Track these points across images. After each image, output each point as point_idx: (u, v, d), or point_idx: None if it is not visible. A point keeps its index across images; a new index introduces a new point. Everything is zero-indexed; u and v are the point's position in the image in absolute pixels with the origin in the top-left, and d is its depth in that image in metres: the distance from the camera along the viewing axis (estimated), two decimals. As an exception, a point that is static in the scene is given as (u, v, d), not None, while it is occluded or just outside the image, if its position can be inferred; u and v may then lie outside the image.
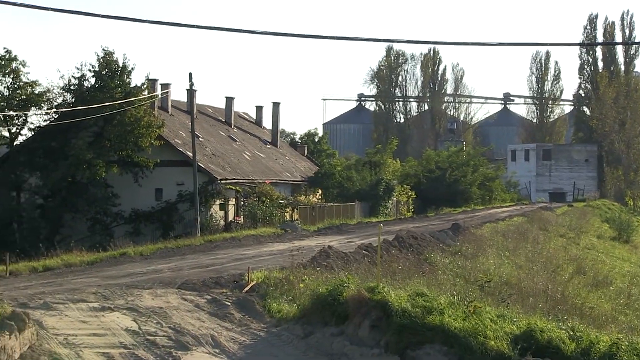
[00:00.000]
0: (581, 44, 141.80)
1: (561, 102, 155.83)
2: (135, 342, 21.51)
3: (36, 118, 63.04)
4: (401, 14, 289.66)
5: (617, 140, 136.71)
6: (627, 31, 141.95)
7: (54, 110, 60.94)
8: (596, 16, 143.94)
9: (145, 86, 64.52)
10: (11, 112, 60.46)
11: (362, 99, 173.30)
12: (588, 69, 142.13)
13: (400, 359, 20.52)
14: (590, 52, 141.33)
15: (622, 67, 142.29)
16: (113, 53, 61.39)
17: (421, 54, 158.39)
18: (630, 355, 19.95)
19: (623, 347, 20.25)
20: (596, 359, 20.13)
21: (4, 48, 62.43)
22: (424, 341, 20.68)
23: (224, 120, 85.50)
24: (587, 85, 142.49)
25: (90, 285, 28.83)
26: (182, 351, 21.21)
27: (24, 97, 60.93)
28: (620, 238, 79.84)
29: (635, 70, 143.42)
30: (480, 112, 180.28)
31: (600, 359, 20.06)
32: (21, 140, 62.31)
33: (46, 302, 24.63)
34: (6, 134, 61.87)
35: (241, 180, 68.84)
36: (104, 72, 60.61)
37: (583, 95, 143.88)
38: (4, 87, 61.14)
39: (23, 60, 61.72)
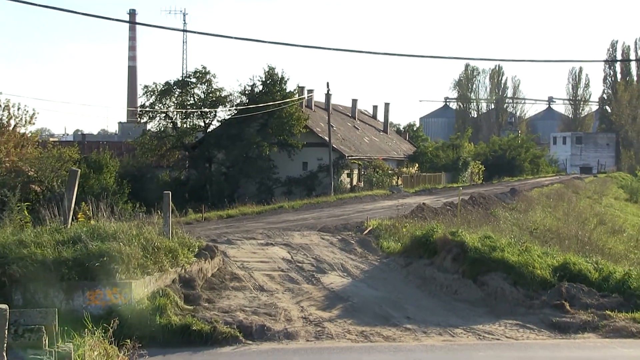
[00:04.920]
0: (605, 61, 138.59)
1: (589, 103, 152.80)
2: (288, 267, 21.76)
3: (222, 113, 63.98)
4: (476, 38, 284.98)
5: (630, 130, 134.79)
6: (639, 52, 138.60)
7: (234, 107, 61.82)
8: (616, 42, 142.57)
9: (296, 91, 65.13)
10: (205, 109, 61.45)
11: (447, 100, 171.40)
12: (610, 79, 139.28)
13: (473, 282, 20.43)
14: (612, 67, 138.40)
15: (635, 78, 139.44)
16: (274, 68, 61.96)
17: (489, 68, 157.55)
18: (638, 280, 20.03)
19: (632, 275, 20.52)
20: (613, 284, 20.08)
21: (202, 65, 63.34)
22: (490, 270, 20.58)
23: (350, 115, 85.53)
24: (609, 91, 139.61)
25: (258, 228, 29.26)
26: (320, 274, 21.36)
27: (214, 98, 61.78)
28: (631, 199, 78.51)
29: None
30: (531, 110, 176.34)
31: (616, 284, 20.09)
32: (212, 129, 63.27)
33: (228, 239, 25.09)
34: (202, 124, 62.89)
35: (362, 157, 68.92)
36: (268, 82, 61.16)
37: (606, 98, 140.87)
38: (201, 92, 62.18)
39: (214, 74, 62.65)
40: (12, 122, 46.95)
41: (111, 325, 10.45)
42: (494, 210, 40.57)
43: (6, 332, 6.39)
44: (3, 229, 19.87)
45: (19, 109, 47.54)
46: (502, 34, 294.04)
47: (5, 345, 6.42)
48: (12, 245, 17.13)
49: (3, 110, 46.75)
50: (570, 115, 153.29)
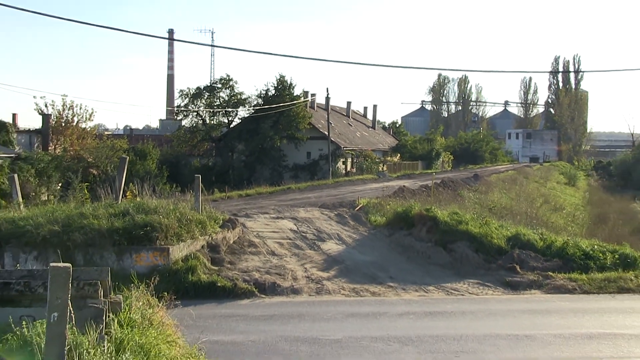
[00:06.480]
0: (550, 72, 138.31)
1: (537, 106, 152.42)
2: (294, 236, 21.78)
3: (242, 112, 63.73)
4: (447, 53, 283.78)
5: (569, 128, 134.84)
6: (576, 65, 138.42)
7: (252, 107, 61.70)
8: (559, 57, 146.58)
9: (302, 94, 64.94)
10: (229, 109, 61.38)
11: (423, 103, 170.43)
12: (554, 87, 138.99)
13: (443, 249, 20.46)
14: (555, 77, 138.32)
15: (573, 86, 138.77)
16: (284, 76, 61.77)
17: (457, 77, 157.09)
18: (574, 248, 20.23)
19: (570, 244, 20.82)
20: (555, 251, 20.19)
21: (226, 73, 63.05)
22: (457, 239, 20.63)
23: (345, 114, 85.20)
24: (552, 96, 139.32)
25: (270, 205, 29.24)
26: (320, 242, 21.40)
27: (235, 100, 61.63)
28: (569, 183, 78.43)
29: (580, 88, 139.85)
30: (490, 111, 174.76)
31: (557, 251, 20.19)
32: (234, 125, 63.15)
33: (247, 213, 25.08)
34: (226, 121, 62.81)
35: (354, 148, 68.84)
36: (279, 87, 61.01)
37: (550, 102, 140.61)
38: (225, 95, 62.03)
39: (235, 80, 62.69)
40: (75, 119, 47.11)
41: (152, 281, 10.48)
42: (461, 192, 40.50)
43: (70, 286, 6.46)
44: (68, 204, 19.97)
45: (80, 108, 47.71)
46: (468, 50, 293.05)
47: (69, 295, 6.50)
48: (74, 217, 17.21)
49: (68, 110, 46.86)
50: (522, 116, 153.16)
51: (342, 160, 65.11)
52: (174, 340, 9.00)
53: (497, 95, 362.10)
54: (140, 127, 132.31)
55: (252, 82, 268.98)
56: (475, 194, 41.66)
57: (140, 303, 9.28)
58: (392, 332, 12.82)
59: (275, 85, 61.41)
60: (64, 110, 46.83)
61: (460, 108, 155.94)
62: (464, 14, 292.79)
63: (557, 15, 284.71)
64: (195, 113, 61.93)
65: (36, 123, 48.76)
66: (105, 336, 7.54)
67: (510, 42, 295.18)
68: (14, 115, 50.86)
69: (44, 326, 6.62)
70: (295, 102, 60.00)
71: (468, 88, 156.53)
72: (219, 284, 16.18)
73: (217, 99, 62.09)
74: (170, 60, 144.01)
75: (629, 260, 19.57)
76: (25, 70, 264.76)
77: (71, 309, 6.89)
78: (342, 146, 64.92)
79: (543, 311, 15.07)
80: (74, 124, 46.86)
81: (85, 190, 28.33)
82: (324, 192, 38.87)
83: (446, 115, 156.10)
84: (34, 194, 29.55)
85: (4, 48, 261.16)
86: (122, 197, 20.77)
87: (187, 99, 61.44)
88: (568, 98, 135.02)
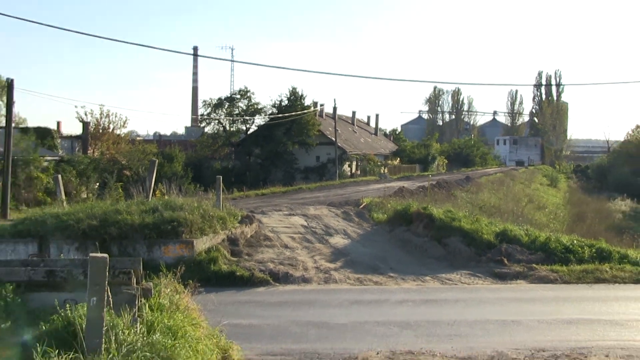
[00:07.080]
0: (534, 85, 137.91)
1: (523, 115, 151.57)
2: (305, 231, 21.81)
3: (258, 120, 63.72)
4: (442, 67, 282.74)
5: (551, 135, 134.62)
6: (557, 79, 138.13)
7: (267, 116, 61.73)
8: (542, 71, 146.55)
9: (312, 105, 64.84)
10: (247, 117, 61.45)
11: (420, 112, 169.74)
12: (537, 98, 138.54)
13: (438, 243, 20.44)
14: (538, 90, 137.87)
15: (555, 98, 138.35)
16: (296, 88, 61.84)
17: (451, 89, 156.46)
18: (556, 243, 20.11)
19: (552, 239, 20.66)
20: (538, 245, 20.12)
21: (244, 86, 63.22)
22: (450, 235, 20.60)
23: (350, 122, 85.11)
24: (536, 106, 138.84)
25: (283, 203, 29.27)
26: (328, 236, 21.42)
27: (252, 110, 61.63)
28: (551, 185, 78.00)
29: (561, 99, 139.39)
30: (481, 120, 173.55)
31: (540, 245, 20.14)
32: (251, 131, 63.18)
33: (262, 210, 25.12)
34: (244, 128, 62.90)
35: (359, 152, 68.68)
36: (291, 98, 60.99)
37: (534, 112, 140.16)
38: (244, 105, 62.07)
39: (252, 91, 62.95)
40: (111, 126, 47.54)
41: (179, 270, 10.56)
42: (454, 192, 40.41)
43: (107, 274, 6.54)
44: (104, 201, 20.13)
45: (115, 116, 48.23)
46: (461, 65, 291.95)
47: (107, 282, 6.59)
48: (110, 213, 17.33)
49: (105, 118, 47.28)
50: (509, 124, 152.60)
51: (347, 163, 65.06)
52: (198, 323, 9.07)
53: (486, 105, 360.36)
54: (168, 133, 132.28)
55: (268, 93, 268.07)
56: (467, 194, 41.59)
57: (168, 290, 9.35)
58: (392, 318, 12.85)
59: (288, 96, 61.45)
60: (101, 118, 47.21)
61: (453, 117, 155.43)
62: (458, 33, 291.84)
63: (541, 34, 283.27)
64: (216, 121, 62.07)
65: (77, 130, 49.31)
66: (138, 318, 7.62)
67: (499, 58, 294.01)
68: (58, 123, 51.36)
69: (85, 309, 6.72)
70: (305, 111, 60.03)
71: (461, 99, 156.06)
72: (237, 274, 16.25)
73: (236, 108, 62.17)
74: (195, 74, 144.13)
75: (605, 254, 19.53)
76: (69, 83, 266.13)
77: (108, 294, 6.98)
78: (348, 151, 64.87)
79: (528, 299, 15.05)
80: (110, 130, 47.18)
81: (120, 189, 28.52)
82: (332, 192, 38.90)
83: (441, 124, 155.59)
84: (75, 192, 29.80)
85: (50, 64, 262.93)
86: (152, 195, 20.89)
87: (209, 108, 61.60)
88: (550, 108, 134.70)
